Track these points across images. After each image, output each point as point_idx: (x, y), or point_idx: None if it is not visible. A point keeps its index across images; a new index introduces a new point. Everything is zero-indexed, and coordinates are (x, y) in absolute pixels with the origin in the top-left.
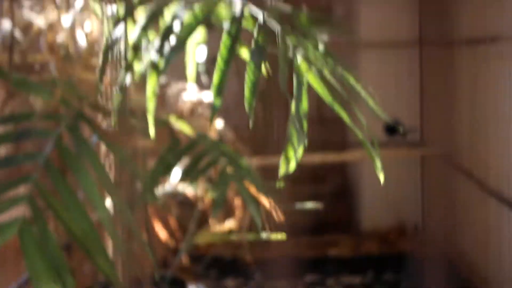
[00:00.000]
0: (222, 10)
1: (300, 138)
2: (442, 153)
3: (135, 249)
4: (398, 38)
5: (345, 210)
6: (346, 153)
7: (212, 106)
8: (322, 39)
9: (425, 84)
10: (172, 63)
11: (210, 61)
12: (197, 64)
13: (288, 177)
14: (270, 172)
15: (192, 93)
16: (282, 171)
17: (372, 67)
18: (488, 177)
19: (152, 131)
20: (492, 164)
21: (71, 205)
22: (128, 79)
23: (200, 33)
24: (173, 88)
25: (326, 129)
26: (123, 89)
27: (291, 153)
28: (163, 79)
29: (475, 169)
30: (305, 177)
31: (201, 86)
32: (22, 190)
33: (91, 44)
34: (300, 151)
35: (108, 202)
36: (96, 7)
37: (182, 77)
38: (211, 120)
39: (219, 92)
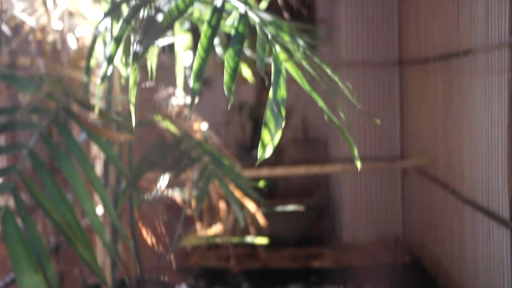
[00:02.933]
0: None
1: (277, 122)
2: (420, 165)
3: (122, 250)
4: (378, 58)
5: (328, 224)
6: (327, 166)
7: (191, 90)
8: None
9: (404, 101)
10: (163, 70)
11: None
12: (185, 69)
13: (275, 191)
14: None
15: (180, 98)
16: (259, 156)
17: (353, 86)
18: (462, 187)
19: (133, 121)
20: (466, 174)
21: (56, 197)
22: (110, 70)
23: (187, 39)
24: (163, 92)
25: (311, 148)
26: (105, 79)
27: (267, 137)
28: (152, 83)
29: (451, 180)
30: (291, 192)
31: (189, 92)
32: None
33: (82, 47)
34: (277, 136)
35: (97, 204)
36: (86, 11)
37: (173, 84)
38: (191, 106)
39: (198, 77)
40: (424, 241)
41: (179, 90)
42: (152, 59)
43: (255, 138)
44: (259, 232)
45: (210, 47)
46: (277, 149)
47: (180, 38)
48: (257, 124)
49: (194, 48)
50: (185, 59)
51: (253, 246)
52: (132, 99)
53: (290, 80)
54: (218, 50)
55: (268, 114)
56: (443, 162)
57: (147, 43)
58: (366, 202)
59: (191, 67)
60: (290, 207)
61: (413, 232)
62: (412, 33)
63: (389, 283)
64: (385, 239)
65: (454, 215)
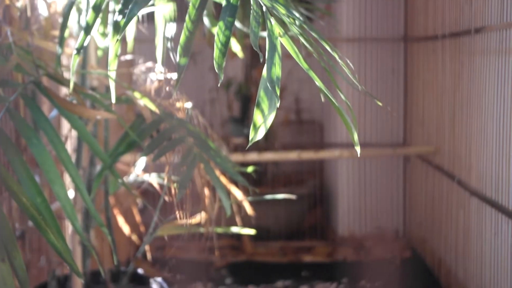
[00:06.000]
0: None
1: (271, 103)
2: (424, 153)
3: (94, 239)
4: (382, 34)
5: (321, 215)
6: (322, 152)
7: (177, 66)
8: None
9: (409, 82)
10: (141, 42)
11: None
12: (165, 41)
13: (265, 178)
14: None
15: (160, 73)
16: (250, 139)
17: (354, 63)
18: (470, 177)
19: (113, 97)
20: (474, 163)
21: (24, 178)
22: (87, 41)
23: (169, 8)
24: (141, 67)
25: (305, 131)
26: (81, 50)
27: (260, 119)
28: (130, 57)
29: (457, 169)
30: (282, 179)
31: (170, 67)
32: None
33: (54, 14)
34: (271, 117)
35: (68, 188)
36: None
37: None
38: (177, 83)
39: (186, 52)
40: (426, 235)
41: (159, 64)
42: (130, 30)
43: (244, 118)
44: (246, 222)
45: (198, 19)
46: (267, 132)
47: (161, 7)
48: (246, 103)
49: (177, 18)
50: (167, 31)
51: (239, 238)
52: (112, 73)
53: (282, 55)
54: (206, 21)
55: (261, 94)
56: (450, 149)
57: (130, 12)
58: (364, 192)
59: (173, 39)
60: (280, 196)
61: (415, 225)
62: (420, 7)
63: (387, 281)
64: (384, 233)
65: (460, 208)
